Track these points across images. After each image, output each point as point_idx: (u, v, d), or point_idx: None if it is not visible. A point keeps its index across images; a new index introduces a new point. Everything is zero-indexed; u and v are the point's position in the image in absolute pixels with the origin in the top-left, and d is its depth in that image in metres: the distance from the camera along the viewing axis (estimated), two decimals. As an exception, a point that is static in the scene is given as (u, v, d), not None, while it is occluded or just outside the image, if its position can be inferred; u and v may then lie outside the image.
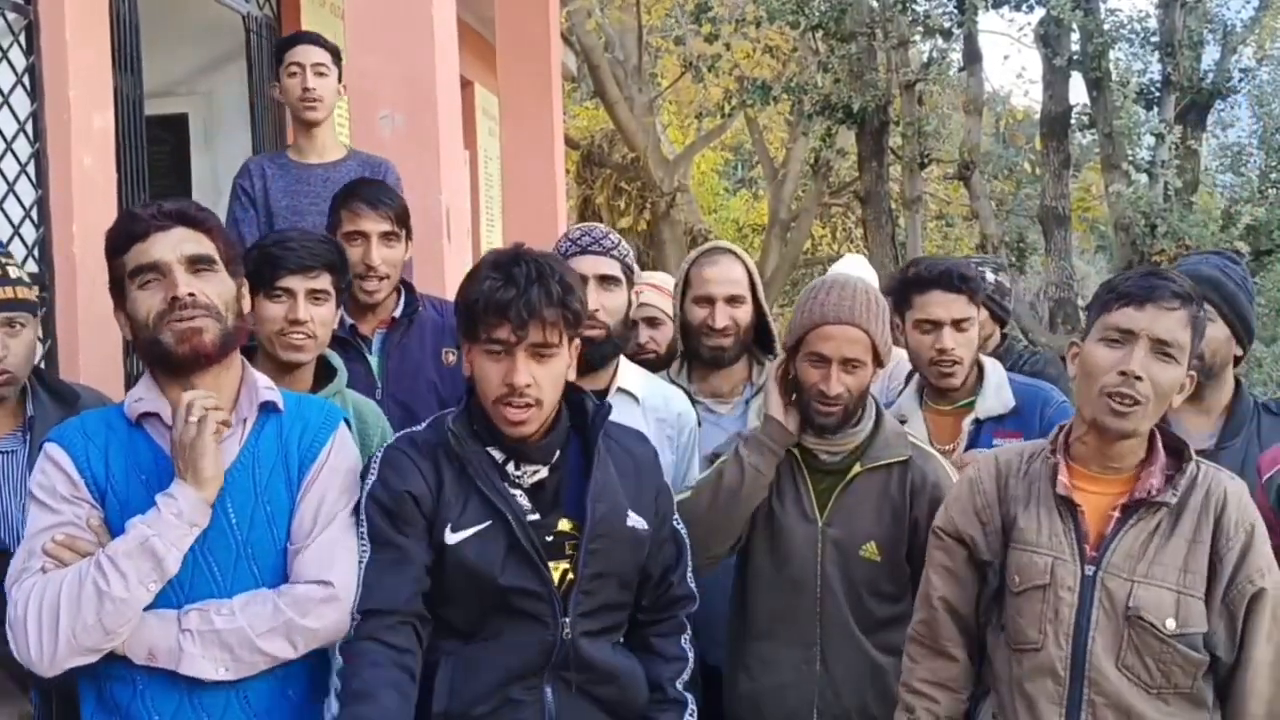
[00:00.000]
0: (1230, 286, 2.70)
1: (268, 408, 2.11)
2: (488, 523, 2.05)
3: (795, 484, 2.59)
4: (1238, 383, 2.79)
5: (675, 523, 2.29)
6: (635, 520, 2.14)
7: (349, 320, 3.14)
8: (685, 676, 2.25)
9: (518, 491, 2.09)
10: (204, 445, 1.94)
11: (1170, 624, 2.06)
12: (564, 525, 2.10)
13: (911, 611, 2.60)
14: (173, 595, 1.97)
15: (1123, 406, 2.07)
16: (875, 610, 2.56)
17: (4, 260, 2.42)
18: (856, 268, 4.23)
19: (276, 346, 2.61)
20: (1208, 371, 2.68)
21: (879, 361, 2.57)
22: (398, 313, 3.19)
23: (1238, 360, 2.77)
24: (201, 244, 2.03)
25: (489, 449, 2.09)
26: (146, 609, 1.95)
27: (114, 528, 1.99)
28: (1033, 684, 2.13)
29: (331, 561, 2.05)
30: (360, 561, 2.06)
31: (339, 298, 2.75)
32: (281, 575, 2.04)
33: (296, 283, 2.62)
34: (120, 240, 2.03)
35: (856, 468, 2.57)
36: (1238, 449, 2.66)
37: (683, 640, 2.28)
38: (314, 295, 2.64)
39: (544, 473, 2.10)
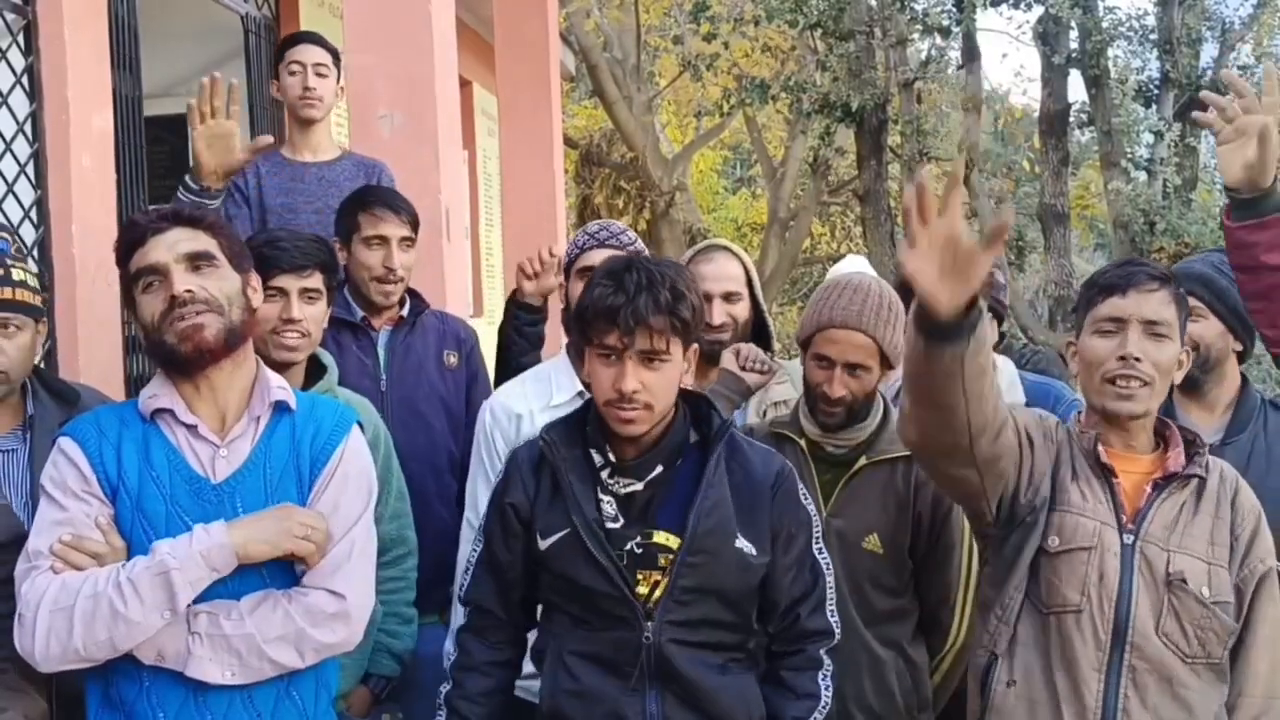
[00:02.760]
0: (1221, 283, 2.71)
1: (280, 407, 2.10)
2: (567, 530, 2.09)
3: (801, 475, 2.59)
4: (1244, 379, 2.80)
5: (816, 553, 2.22)
6: (744, 544, 2.10)
7: (360, 312, 3.18)
8: (817, 716, 2.17)
9: (608, 498, 2.11)
10: (275, 545, 1.97)
11: (1205, 592, 2.12)
12: (661, 538, 2.10)
13: (910, 606, 2.61)
14: None
15: (1127, 389, 2.15)
16: (876, 602, 2.57)
17: (11, 263, 2.42)
18: (857, 269, 4.22)
19: (270, 346, 2.62)
20: (1204, 366, 2.70)
21: (889, 364, 2.57)
22: (404, 312, 3.24)
23: (1242, 356, 2.78)
24: (199, 240, 2.04)
25: (592, 451, 2.13)
26: None
27: (125, 524, 1.99)
28: (1072, 648, 2.14)
29: (346, 573, 2.04)
30: (474, 551, 2.25)
31: (330, 296, 2.77)
32: (287, 576, 2.04)
33: (289, 282, 2.64)
34: (123, 250, 2.05)
35: (862, 460, 2.58)
36: (1243, 445, 2.67)
37: (818, 677, 2.19)
38: (306, 294, 2.66)
39: (637, 486, 2.11)
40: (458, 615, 2.77)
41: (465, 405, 3.31)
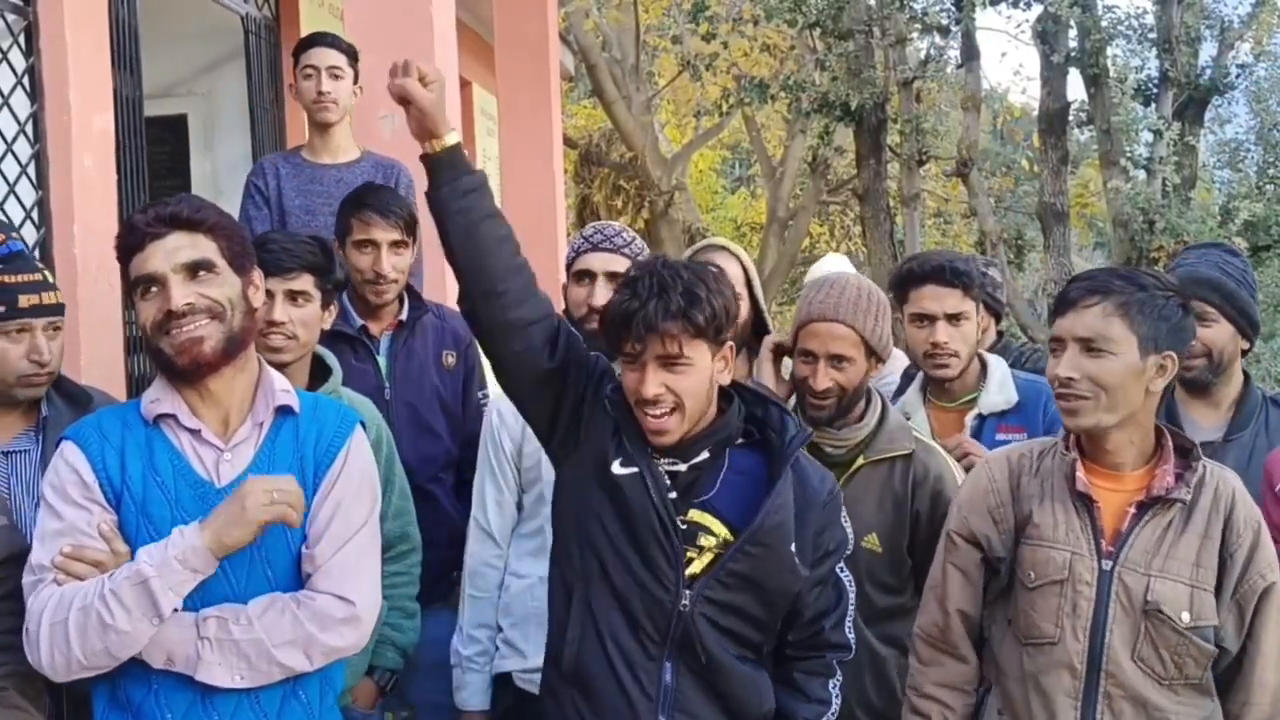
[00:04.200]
0: (1230, 285, 2.72)
1: (284, 410, 2.10)
2: (638, 470, 2.08)
3: None
4: (1246, 376, 2.81)
5: (840, 570, 2.25)
6: (794, 549, 2.12)
7: (359, 320, 3.18)
8: None
9: (662, 470, 2.12)
10: (247, 524, 1.93)
11: (1185, 617, 2.11)
12: (704, 519, 2.09)
13: (911, 604, 2.62)
14: (188, 595, 1.97)
15: (1068, 405, 2.16)
16: (876, 600, 2.59)
17: (40, 268, 2.44)
18: (837, 267, 4.26)
19: (257, 347, 2.64)
20: (1216, 369, 2.72)
21: (877, 357, 2.59)
22: (403, 316, 3.23)
23: (1244, 353, 2.79)
24: (198, 246, 2.00)
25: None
26: None
27: (129, 529, 1.98)
28: (1048, 678, 2.16)
29: (355, 578, 2.04)
30: None
31: (327, 298, 2.77)
32: (294, 577, 2.04)
33: (274, 284, 2.64)
34: (122, 251, 2.03)
35: (860, 460, 2.60)
36: (1245, 442, 2.69)
37: (830, 684, 2.23)
38: (292, 297, 2.67)
39: (681, 468, 2.11)
40: (464, 610, 2.79)
41: (462, 402, 3.31)
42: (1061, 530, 2.18)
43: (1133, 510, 2.16)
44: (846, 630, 2.25)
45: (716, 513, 2.10)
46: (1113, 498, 2.19)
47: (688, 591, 2.06)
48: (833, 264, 4.33)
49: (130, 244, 2.01)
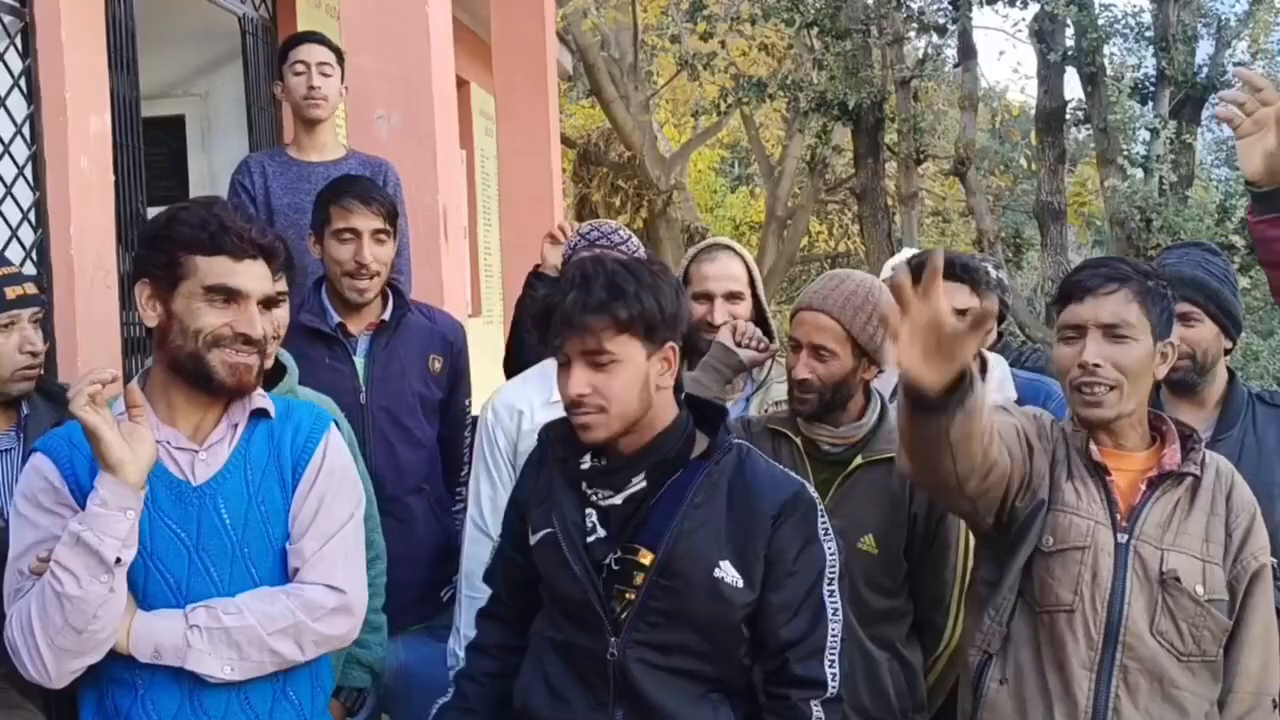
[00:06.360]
0: (1213, 284, 2.74)
1: (258, 413, 2.10)
2: (549, 529, 2.05)
3: (796, 472, 2.59)
4: (1231, 374, 2.82)
5: (826, 595, 2.02)
6: (727, 573, 1.97)
7: (336, 318, 3.06)
8: None
9: (590, 509, 2.04)
10: (98, 433, 1.86)
11: (1199, 589, 2.13)
12: (643, 556, 1.99)
13: (905, 607, 2.61)
14: (171, 596, 1.97)
15: (1091, 396, 2.16)
16: (871, 602, 2.56)
17: (12, 261, 2.47)
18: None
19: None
20: (1200, 369, 2.73)
21: (868, 359, 2.54)
22: (386, 315, 3.10)
23: (1227, 352, 2.80)
24: (270, 280, 2.06)
25: (585, 456, 2.05)
26: (150, 609, 1.95)
27: None
28: (1064, 647, 2.15)
29: (344, 569, 2.05)
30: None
31: (291, 300, 2.68)
32: (278, 576, 2.04)
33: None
34: (200, 242, 1.97)
35: (858, 459, 2.57)
36: (1233, 440, 2.69)
37: None
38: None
39: (616, 501, 2.01)
40: (461, 612, 2.79)
41: (447, 408, 3.22)
42: (1084, 501, 2.19)
43: (1144, 487, 2.18)
44: (825, 664, 2.00)
45: (648, 544, 1.99)
46: (1122, 476, 2.21)
47: (614, 639, 1.99)
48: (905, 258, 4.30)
49: (221, 245, 1.97)
